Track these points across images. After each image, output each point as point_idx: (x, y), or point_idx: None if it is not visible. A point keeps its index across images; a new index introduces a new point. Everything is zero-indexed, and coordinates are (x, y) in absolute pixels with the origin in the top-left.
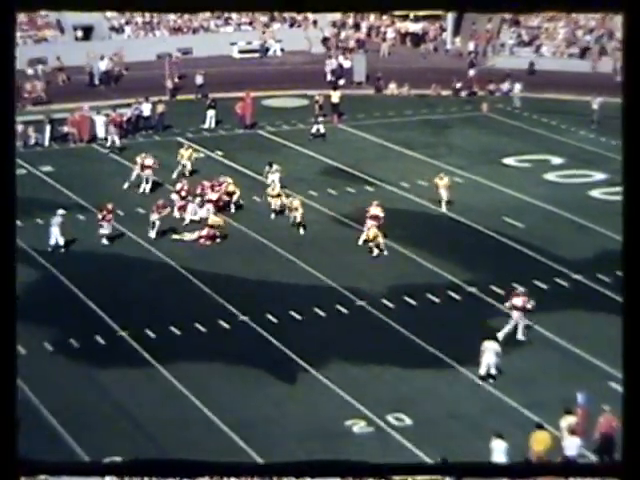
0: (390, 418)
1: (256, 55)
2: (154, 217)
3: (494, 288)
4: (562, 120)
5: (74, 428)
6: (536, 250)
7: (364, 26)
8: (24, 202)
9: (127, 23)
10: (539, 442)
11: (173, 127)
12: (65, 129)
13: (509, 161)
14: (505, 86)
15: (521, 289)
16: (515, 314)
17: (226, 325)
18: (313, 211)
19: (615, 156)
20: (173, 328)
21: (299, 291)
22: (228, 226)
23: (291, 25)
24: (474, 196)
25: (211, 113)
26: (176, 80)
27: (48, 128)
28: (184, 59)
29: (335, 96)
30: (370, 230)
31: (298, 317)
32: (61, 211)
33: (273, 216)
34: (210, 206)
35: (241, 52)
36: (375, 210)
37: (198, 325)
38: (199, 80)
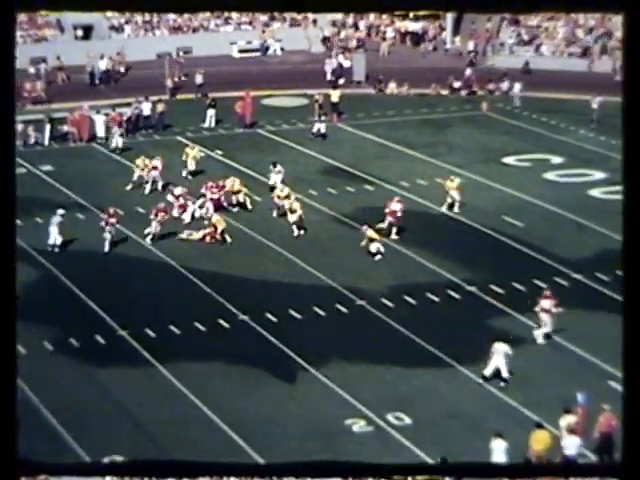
0: (390, 417)
1: (256, 54)
2: (153, 222)
3: (494, 287)
4: (562, 119)
5: (74, 427)
6: (536, 249)
7: (364, 25)
8: (24, 201)
9: (127, 22)
10: (539, 441)
11: (173, 126)
12: (65, 128)
13: (509, 160)
14: (505, 85)
15: (548, 292)
16: (544, 316)
17: (226, 324)
18: (313, 210)
19: (615, 155)
20: (173, 327)
21: (299, 290)
22: (229, 225)
23: (291, 25)
24: (474, 195)
25: (211, 112)
26: (180, 79)
27: (48, 127)
28: (184, 58)
29: (335, 95)
30: (368, 231)
31: (298, 316)
32: (61, 211)
33: (274, 215)
34: (210, 205)
35: (241, 51)
36: (395, 206)
37: (198, 324)
38: (199, 79)
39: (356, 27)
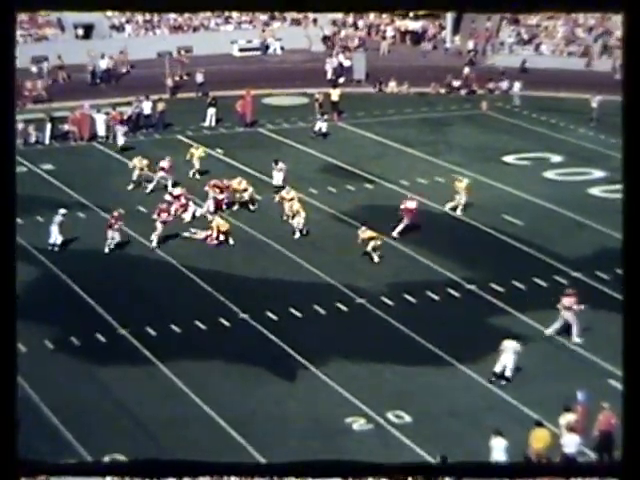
0: (390, 415)
1: (256, 53)
2: (157, 224)
3: (493, 286)
4: (561, 118)
5: (74, 426)
6: (535, 248)
7: (364, 25)
8: (25, 200)
9: (128, 21)
10: (538, 440)
11: (174, 125)
12: (66, 127)
13: (508, 159)
14: (504, 84)
15: (570, 290)
16: (567, 314)
17: (226, 323)
18: (313, 209)
19: (614, 154)
20: (173, 326)
21: (299, 289)
22: (232, 226)
23: (291, 24)
24: (474, 194)
25: (211, 111)
26: (181, 78)
27: (49, 126)
28: (180, 58)
29: (335, 94)
30: (365, 233)
31: (298, 315)
32: (62, 210)
33: (276, 215)
34: (212, 203)
35: (241, 50)
36: (411, 204)
37: (198, 323)
38: (199, 78)
39: (356, 26)
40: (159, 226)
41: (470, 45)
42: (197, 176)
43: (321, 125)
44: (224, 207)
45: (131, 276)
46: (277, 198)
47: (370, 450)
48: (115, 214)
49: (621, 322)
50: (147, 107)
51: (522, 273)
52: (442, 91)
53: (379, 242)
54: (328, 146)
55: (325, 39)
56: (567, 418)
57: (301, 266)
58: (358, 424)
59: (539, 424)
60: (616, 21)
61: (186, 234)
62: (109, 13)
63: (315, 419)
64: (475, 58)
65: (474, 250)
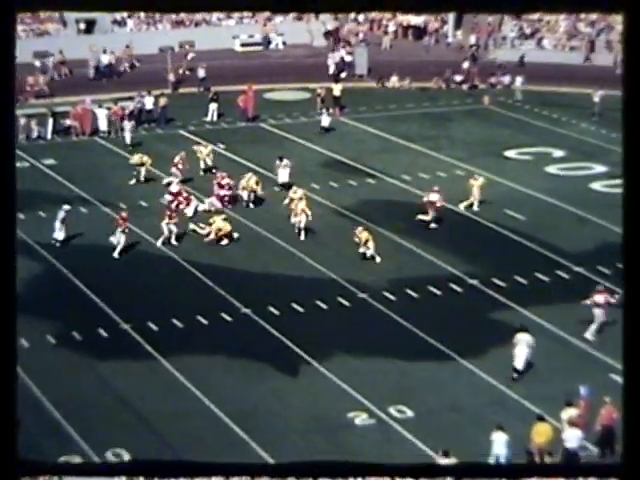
0: (392, 410)
1: (258, 48)
2: (164, 225)
3: (495, 280)
4: (563, 113)
5: (76, 420)
6: (537, 242)
7: (366, 19)
8: (27, 195)
9: (130, 16)
10: (540, 434)
11: (175, 120)
12: (67, 122)
13: (510, 154)
14: (506, 79)
15: (600, 286)
16: (597, 311)
17: (228, 318)
18: (315, 204)
19: (616, 148)
20: (175, 321)
21: (301, 283)
22: (231, 219)
23: (293, 19)
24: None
25: (213, 106)
26: (183, 73)
27: (51, 121)
28: (186, 52)
29: (337, 89)
30: (362, 233)
31: (300, 309)
32: (66, 206)
33: (277, 210)
34: (215, 200)
35: (243, 45)
36: (434, 197)
37: (200, 318)
38: (201, 73)
39: (358, 21)
40: (166, 229)
41: (472, 40)
42: (201, 173)
43: (325, 120)
44: (226, 203)
45: (133, 271)
46: (287, 200)
47: (372, 445)
48: (123, 215)
49: (622, 316)
50: (149, 102)
51: (524, 268)
52: (444, 86)
53: (373, 243)
54: (330, 141)
55: (327, 34)
56: (569, 413)
57: (303, 261)
58: (360, 419)
59: (541, 418)
60: (617, 16)
61: (192, 225)
62: None
63: (317, 414)
64: (477, 53)
65: (476, 245)
